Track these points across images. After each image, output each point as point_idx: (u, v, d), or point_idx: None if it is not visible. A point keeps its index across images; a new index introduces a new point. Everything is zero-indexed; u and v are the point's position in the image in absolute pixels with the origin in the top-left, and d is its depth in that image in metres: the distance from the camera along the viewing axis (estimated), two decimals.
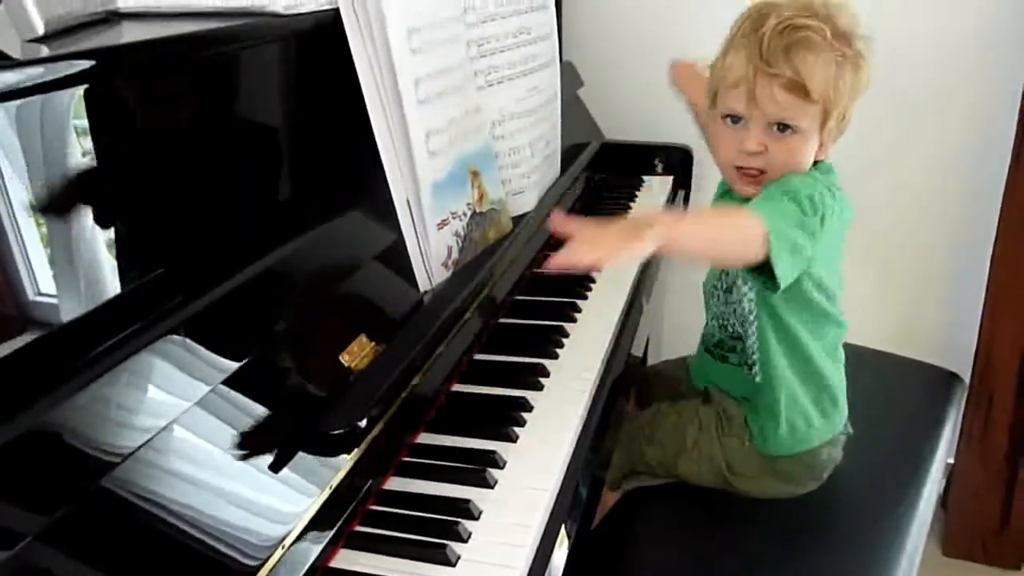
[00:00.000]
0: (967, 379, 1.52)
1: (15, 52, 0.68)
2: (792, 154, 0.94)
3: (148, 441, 0.62)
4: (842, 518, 1.07)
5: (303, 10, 0.89)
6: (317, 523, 0.69)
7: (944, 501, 1.71)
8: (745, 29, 0.93)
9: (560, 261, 0.78)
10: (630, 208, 1.50)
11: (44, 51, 0.69)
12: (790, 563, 0.99)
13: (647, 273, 1.30)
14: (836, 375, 1.06)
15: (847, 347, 1.10)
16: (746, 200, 0.96)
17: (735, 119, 0.95)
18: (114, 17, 0.87)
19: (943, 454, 1.20)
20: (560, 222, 0.82)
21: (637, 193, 1.57)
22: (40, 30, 0.71)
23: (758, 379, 1.04)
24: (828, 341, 1.04)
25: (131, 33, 0.83)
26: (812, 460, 1.06)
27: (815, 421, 1.05)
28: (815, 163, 0.98)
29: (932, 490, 1.13)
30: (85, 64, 0.64)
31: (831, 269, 0.99)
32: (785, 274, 0.88)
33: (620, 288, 1.22)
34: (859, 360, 1.14)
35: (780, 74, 0.90)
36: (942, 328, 1.75)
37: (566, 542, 0.80)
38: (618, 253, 0.78)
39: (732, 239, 0.89)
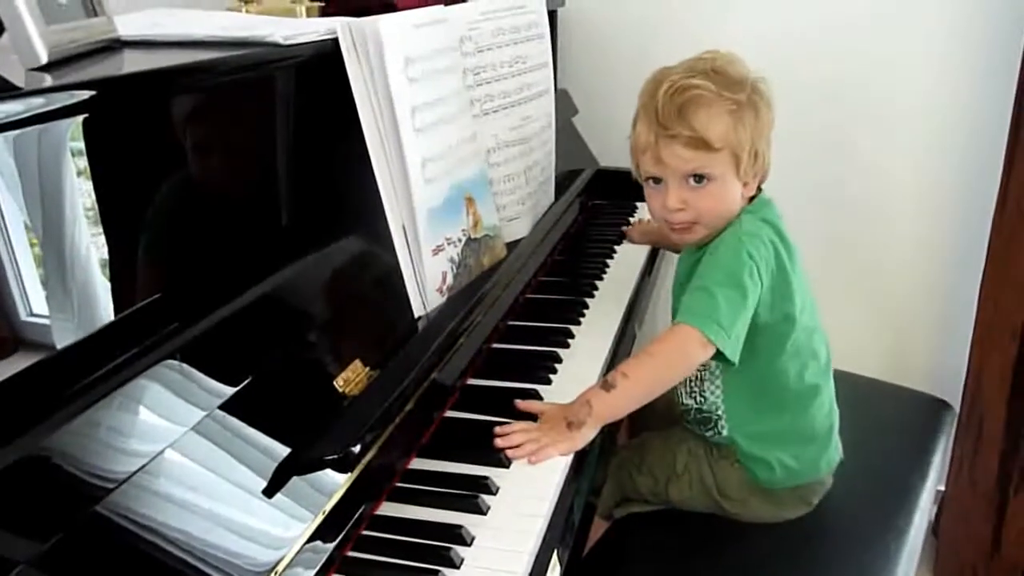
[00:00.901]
0: (957, 407, 1.53)
1: (19, 80, 0.69)
2: (715, 200, 1.00)
3: (143, 467, 0.62)
4: (833, 544, 1.07)
5: (302, 40, 0.91)
6: (310, 548, 0.70)
7: (935, 528, 1.71)
8: (644, 99, 1.01)
9: (500, 443, 0.91)
10: (623, 230, 1.52)
11: (47, 80, 0.70)
12: None
13: (639, 300, 1.32)
14: (819, 415, 1.06)
15: (836, 375, 1.11)
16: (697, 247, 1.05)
17: (655, 180, 1.02)
18: (117, 45, 0.88)
19: (933, 482, 1.20)
20: (502, 439, 0.92)
21: (631, 219, 1.58)
22: (44, 59, 0.72)
23: (724, 432, 1.07)
24: (804, 381, 1.04)
25: (133, 62, 0.85)
26: (802, 489, 1.07)
27: (800, 463, 1.05)
28: (751, 199, 1.03)
29: (922, 517, 1.13)
30: (86, 94, 0.65)
31: (787, 303, 1.00)
32: (734, 352, 0.94)
33: (613, 314, 1.24)
34: (849, 388, 1.15)
35: (678, 134, 0.96)
36: (932, 356, 1.76)
37: (558, 569, 0.80)
38: (558, 452, 0.91)
39: (671, 365, 0.96)
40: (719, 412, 1.06)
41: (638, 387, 0.95)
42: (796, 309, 1.01)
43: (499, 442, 0.91)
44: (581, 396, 0.96)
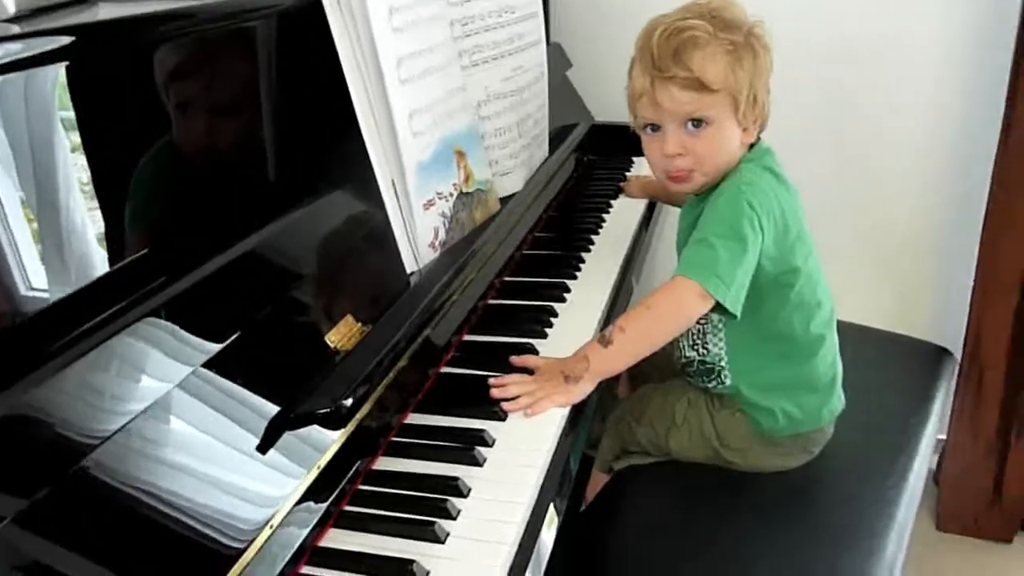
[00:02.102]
0: (958, 356, 1.52)
1: None
2: (713, 145, 0.98)
3: (128, 423, 0.61)
4: (833, 492, 1.07)
5: None
6: (306, 503, 0.69)
7: (937, 477, 1.72)
8: (640, 44, 0.99)
9: (496, 394, 0.91)
10: (620, 185, 1.50)
11: (16, 31, 0.68)
12: (781, 536, 0.99)
13: (636, 253, 1.30)
14: (823, 364, 1.05)
15: (838, 325, 1.10)
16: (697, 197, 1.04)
17: (653, 127, 1.00)
18: None
19: (933, 429, 1.20)
20: (497, 390, 0.91)
21: (627, 174, 1.56)
22: (11, 10, 0.70)
23: (728, 382, 1.06)
24: (809, 331, 1.03)
25: (109, 13, 0.82)
26: (804, 438, 1.07)
27: (803, 411, 1.05)
28: (751, 146, 1.01)
29: (922, 464, 1.13)
30: (65, 40, 0.64)
31: (791, 253, 0.99)
32: (736, 304, 0.92)
33: (609, 268, 1.22)
34: (850, 337, 1.14)
35: (675, 76, 0.94)
36: (934, 306, 1.75)
37: (555, 520, 0.80)
38: (555, 404, 0.90)
39: (669, 319, 0.95)
40: (722, 363, 1.05)
41: (635, 341, 0.94)
42: (800, 259, 0.99)
43: (495, 392, 0.90)
44: (578, 351, 0.95)
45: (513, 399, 0.90)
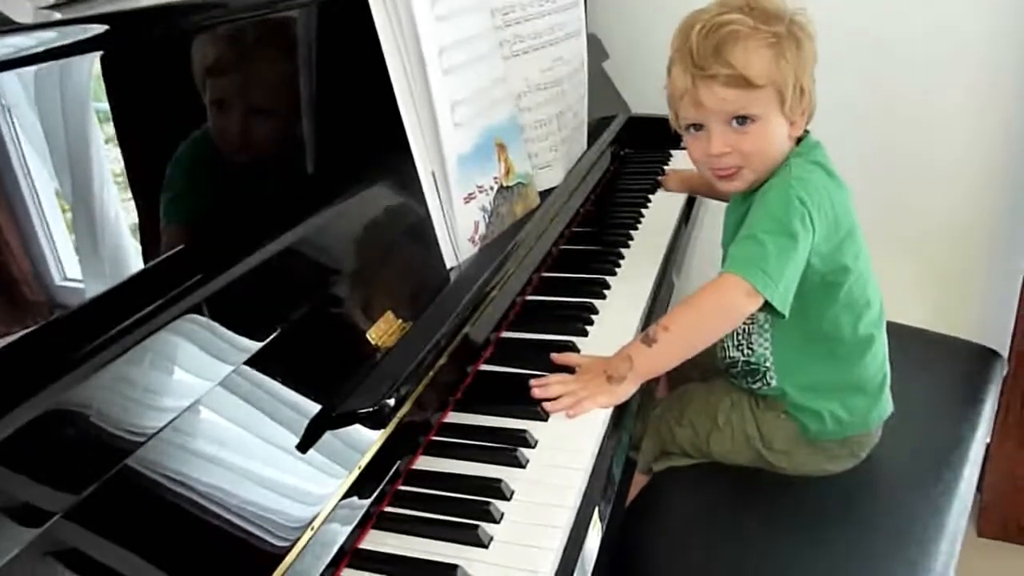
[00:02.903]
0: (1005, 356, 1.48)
1: (27, 18, 0.65)
2: (761, 142, 0.95)
3: (172, 421, 0.60)
4: (879, 498, 1.04)
5: None
6: (346, 503, 0.68)
7: (979, 483, 1.67)
8: (677, 43, 0.96)
9: (538, 394, 0.88)
10: (658, 179, 1.46)
11: (56, 17, 0.66)
12: (825, 545, 0.96)
13: (676, 249, 1.27)
14: (873, 366, 1.02)
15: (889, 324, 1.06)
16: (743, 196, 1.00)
17: (696, 127, 0.97)
18: None
19: (983, 433, 1.16)
20: (539, 389, 0.89)
21: (665, 167, 1.53)
22: None
23: (774, 383, 1.03)
24: (858, 332, 1.00)
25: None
26: (851, 442, 1.04)
27: (851, 414, 1.02)
28: (799, 140, 0.98)
29: (972, 471, 1.09)
30: (102, 28, 0.62)
31: (841, 251, 0.96)
32: (784, 303, 0.89)
33: (650, 264, 1.19)
34: (897, 338, 1.11)
35: (716, 74, 0.91)
36: (980, 307, 1.70)
37: (599, 524, 0.78)
38: (598, 404, 0.87)
39: (716, 317, 0.91)
40: (767, 364, 1.02)
41: (680, 341, 0.91)
42: (850, 257, 0.96)
43: (536, 392, 0.88)
44: (622, 350, 0.93)
45: (555, 399, 0.87)
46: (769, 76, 0.92)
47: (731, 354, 1.05)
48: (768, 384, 1.03)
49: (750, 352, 1.03)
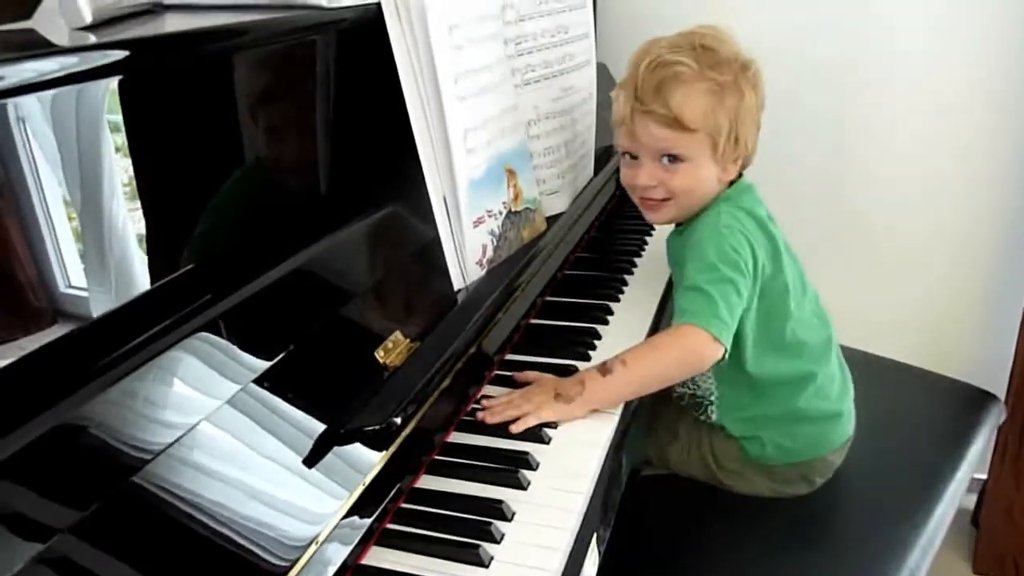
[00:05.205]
0: (1003, 396, 1.49)
1: (63, 40, 0.68)
2: (688, 182, 0.97)
3: (179, 439, 0.61)
4: (838, 526, 1.04)
5: (346, 3, 0.89)
6: (347, 523, 0.69)
7: (976, 519, 1.68)
8: (628, 71, 0.98)
9: (483, 416, 0.89)
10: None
11: (91, 39, 0.69)
12: (779, 567, 0.96)
13: None
14: (817, 399, 1.02)
15: (870, 359, 1.07)
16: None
17: (632, 155, 0.99)
18: (159, 9, 0.87)
19: (964, 473, 1.15)
20: (489, 413, 0.89)
21: None
22: (88, 19, 0.71)
23: (715, 417, 1.05)
24: (794, 371, 1.01)
25: (173, 25, 0.83)
26: (802, 467, 1.04)
27: (796, 442, 1.02)
28: (731, 183, 1.00)
29: (946, 509, 1.08)
30: (121, 54, 0.64)
31: (767, 297, 0.97)
32: (729, 342, 0.90)
33: (652, 291, 1.21)
34: (882, 372, 1.11)
35: (653, 111, 0.93)
36: (977, 345, 1.71)
37: (597, 549, 0.79)
38: (541, 419, 0.88)
39: (679, 363, 0.91)
40: (711, 398, 1.05)
41: (636, 379, 0.92)
42: (778, 301, 0.98)
43: (483, 416, 0.89)
44: (577, 375, 0.94)
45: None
46: (704, 122, 0.93)
47: (678, 389, 1.09)
48: (710, 417, 1.06)
49: (695, 387, 1.06)
